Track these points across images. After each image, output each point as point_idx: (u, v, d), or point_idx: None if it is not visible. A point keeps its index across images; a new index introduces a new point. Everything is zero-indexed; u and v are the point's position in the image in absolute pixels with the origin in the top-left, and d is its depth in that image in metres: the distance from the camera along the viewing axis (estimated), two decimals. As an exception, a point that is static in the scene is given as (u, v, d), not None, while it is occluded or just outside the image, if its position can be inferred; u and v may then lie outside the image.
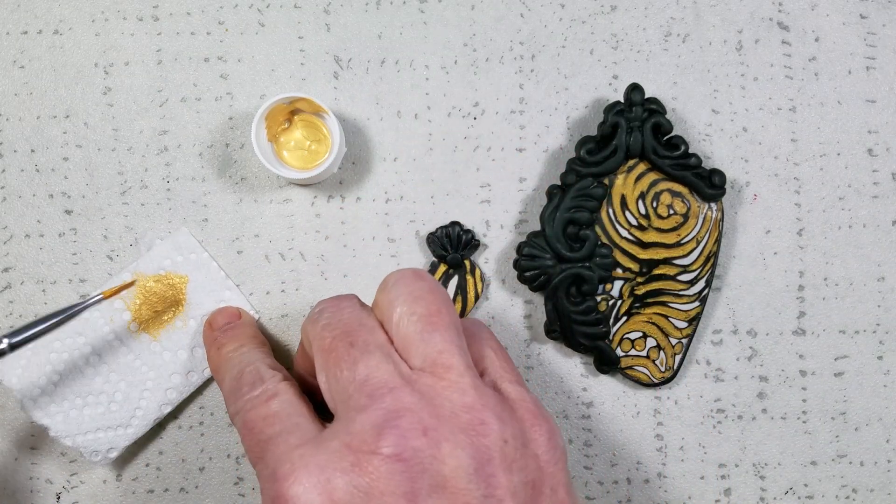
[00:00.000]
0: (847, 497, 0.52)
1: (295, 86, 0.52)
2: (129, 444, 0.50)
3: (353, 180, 0.52)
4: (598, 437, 0.52)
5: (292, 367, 0.44)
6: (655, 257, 0.50)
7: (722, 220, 0.50)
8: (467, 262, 0.51)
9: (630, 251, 0.50)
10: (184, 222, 0.51)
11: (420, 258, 0.52)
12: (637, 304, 0.50)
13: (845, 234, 0.52)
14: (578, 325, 0.50)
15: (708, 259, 0.50)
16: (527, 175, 0.52)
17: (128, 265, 0.51)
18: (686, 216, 0.50)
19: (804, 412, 0.52)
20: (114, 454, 0.49)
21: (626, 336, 0.50)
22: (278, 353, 0.51)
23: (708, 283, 0.50)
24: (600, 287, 0.50)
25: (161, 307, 0.50)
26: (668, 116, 0.49)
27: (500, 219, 0.52)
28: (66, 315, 0.41)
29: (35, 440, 0.51)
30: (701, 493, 0.52)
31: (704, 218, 0.50)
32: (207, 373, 0.50)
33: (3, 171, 0.51)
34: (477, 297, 0.51)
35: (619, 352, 0.50)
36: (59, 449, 0.51)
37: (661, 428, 0.52)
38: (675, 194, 0.50)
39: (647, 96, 0.49)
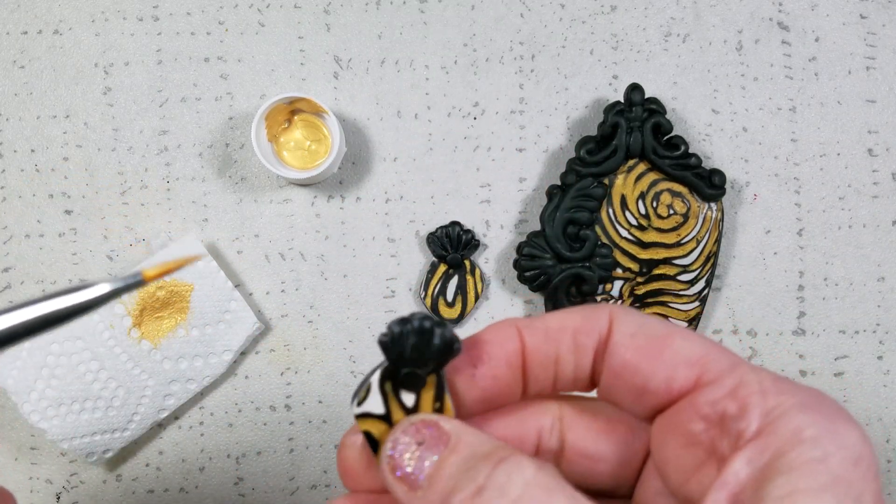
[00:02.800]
0: (847, 497, 0.52)
1: (295, 86, 0.52)
2: (125, 445, 0.50)
3: (353, 180, 0.52)
4: (598, 437, 0.52)
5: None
6: (655, 257, 0.50)
7: (722, 220, 0.50)
8: (467, 262, 0.51)
9: (630, 251, 0.50)
10: (184, 222, 0.51)
11: (420, 258, 0.52)
12: (637, 304, 0.50)
13: (845, 234, 0.52)
14: (578, 325, 0.49)
15: (708, 259, 0.50)
16: (527, 175, 0.52)
17: (129, 267, 0.51)
18: (686, 216, 0.50)
19: (804, 412, 0.52)
20: (109, 454, 0.49)
21: (626, 336, 0.50)
22: (279, 354, 0.52)
23: (708, 283, 0.50)
24: (600, 287, 0.50)
25: (163, 315, 0.49)
26: (668, 116, 0.49)
27: (500, 219, 0.52)
28: (75, 307, 0.22)
29: (35, 440, 0.51)
30: (701, 493, 0.52)
31: (704, 218, 0.50)
32: (207, 381, 0.50)
33: (3, 171, 0.51)
34: (477, 297, 0.51)
35: (619, 352, 0.50)
36: (59, 449, 0.51)
37: (661, 428, 0.52)
38: (675, 194, 0.50)
39: (647, 96, 0.49)
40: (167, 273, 0.22)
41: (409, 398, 0.23)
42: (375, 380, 0.22)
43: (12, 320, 0.21)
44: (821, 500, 0.17)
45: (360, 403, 0.22)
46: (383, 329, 0.24)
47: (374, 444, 0.23)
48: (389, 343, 0.22)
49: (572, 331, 0.22)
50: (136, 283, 0.22)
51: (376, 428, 0.23)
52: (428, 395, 0.23)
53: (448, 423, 0.22)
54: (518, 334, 0.23)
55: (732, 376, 0.20)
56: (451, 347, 0.22)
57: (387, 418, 0.22)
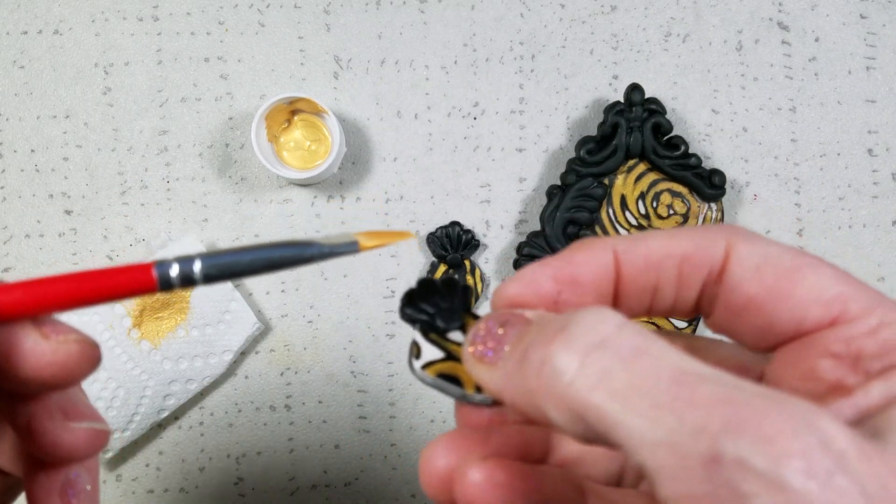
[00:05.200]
0: (847, 497, 0.52)
1: (295, 86, 0.52)
2: (125, 445, 0.50)
3: (353, 180, 0.52)
4: (598, 437, 0.52)
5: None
6: (655, 257, 0.50)
7: (722, 220, 0.50)
8: (467, 262, 0.51)
9: (630, 251, 0.50)
10: (184, 222, 0.51)
11: (420, 258, 0.52)
12: (637, 304, 0.50)
13: (845, 234, 0.52)
14: (578, 325, 0.49)
15: (708, 259, 0.50)
16: (527, 175, 0.52)
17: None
18: (686, 216, 0.50)
19: (804, 412, 0.52)
20: (109, 454, 0.49)
21: (626, 336, 0.50)
22: (279, 354, 0.52)
23: (708, 283, 0.50)
24: (600, 287, 0.50)
25: (163, 315, 0.49)
26: (668, 116, 0.49)
27: (500, 219, 0.52)
28: (288, 257, 0.22)
29: (35, 440, 0.51)
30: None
31: (704, 218, 0.50)
32: (207, 381, 0.50)
33: (3, 171, 0.51)
34: (477, 297, 0.51)
35: (619, 352, 0.50)
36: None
37: (661, 428, 0.52)
38: (675, 194, 0.50)
39: (647, 96, 0.49)
40: (382, 246, 0.22)
41: (457, 335, 0.22)
42: (418, 336, 0.22)
43: (240, 258, 0.21)
44: None
45: (417, 358, 0.22)
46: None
47: (452, 380, 0.22)
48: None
49: (679, 259, 0.20)
50: (352, 250, 0.22)
51: (446, 367, 0.22)
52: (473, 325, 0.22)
53: (530, 312, 0.20)
54: (615, 260, 0.20)
55: (874, 315, 0.18)
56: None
57: (450, 357, 0.22)
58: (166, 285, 0.21)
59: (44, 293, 0.19)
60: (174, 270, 0.21)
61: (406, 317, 0.22)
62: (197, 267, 0.21)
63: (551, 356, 0.17)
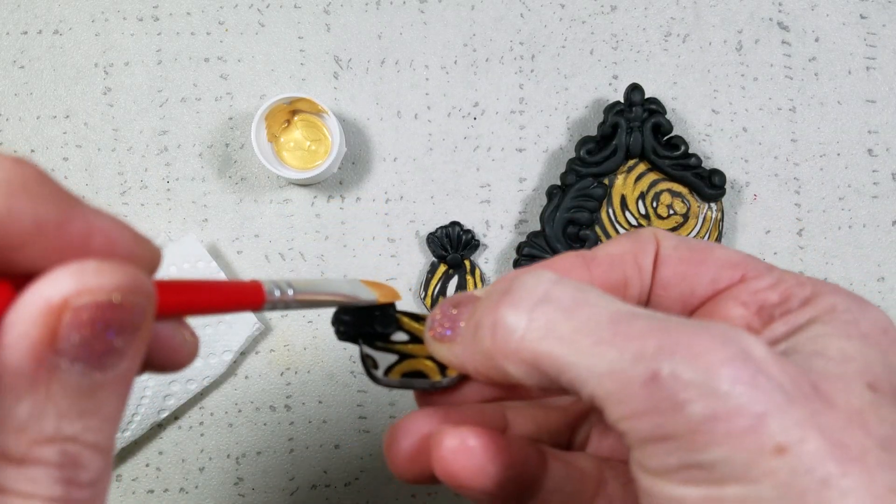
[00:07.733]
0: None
1: (295, 86, 0.52)
2: (125, 445, 0.50)
3: (353, 180, 0.52)
4: (598, 437, 0.52)
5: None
6: (655, 257, 0.50)
7: (722, 220, 0.50)
8: (467, 262, 0.51)
9: (630, 251, 0.50)
10: (184, 222, 0.51)
11: (420, 258, 0.52)
12: (637, 304, 0.50)
13: (845, 234, 0.52)
14: (578, 325, 0.49)
15: (708, 259, 0.50)
16: (527, 175, 0.52)
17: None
18: (686, 216, 0.50)
19: (804, 412, 0.52)
20: (113, 454, 0.49)
21: (626, 336, 0.50)
22: (279, 354, 0.52)
23: (708, 283, 0.50)
24: (600, 287, 0.50)
25: None
26: (668, 116, 0.49)
27: (500, 219, 0.52)
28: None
29: (35, 440, 0.51)
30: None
31: (704, 218, 0.50)
32: (207, 381, 0.50)
33: (3, 171, 0.51)
34: (477, 297, 0.51)
35: (619, 352, 0.50)
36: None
37: (661, 428, 0.52)
38: (675, 194, 0.50)
39: (647, 96, 0.49)
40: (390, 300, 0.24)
41: (400, 335, 0.24)
42: (366, 349, 0.24)
43: (310, 293, 0.22)
44: (850, 343, 0.19)
45: (376, 368, 0.23)
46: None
47: (416, 375, 0.24)
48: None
49: (632, 254, 0.23)
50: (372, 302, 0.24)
51: (405, 366, 0.24)
52: (412, 321, 0.24)
53: (479, 291, 0.22)
54: (584, 264, 0.23)
55: (772, 274, 0.22)
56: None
57: (404, 357, 0.24)
58: (270, 306, 0.21)
59: (187, 298, 0.20)
60: (277, 293, 0.21)
61: (345, 336, 0.24)
62: (290, 292, 0.21)
63: (501, 317, 0.19)
